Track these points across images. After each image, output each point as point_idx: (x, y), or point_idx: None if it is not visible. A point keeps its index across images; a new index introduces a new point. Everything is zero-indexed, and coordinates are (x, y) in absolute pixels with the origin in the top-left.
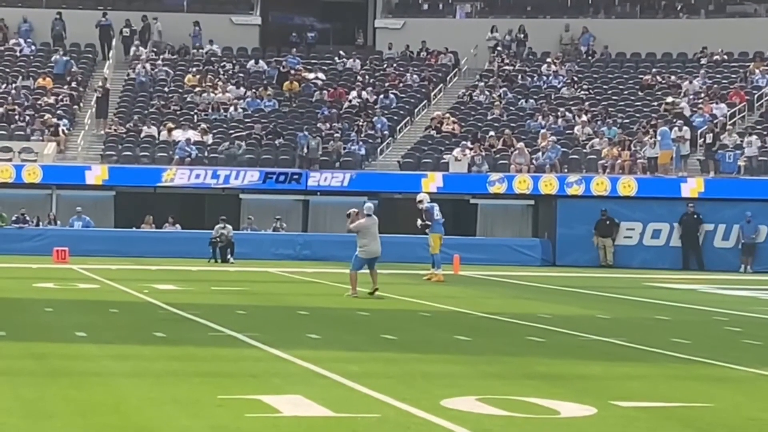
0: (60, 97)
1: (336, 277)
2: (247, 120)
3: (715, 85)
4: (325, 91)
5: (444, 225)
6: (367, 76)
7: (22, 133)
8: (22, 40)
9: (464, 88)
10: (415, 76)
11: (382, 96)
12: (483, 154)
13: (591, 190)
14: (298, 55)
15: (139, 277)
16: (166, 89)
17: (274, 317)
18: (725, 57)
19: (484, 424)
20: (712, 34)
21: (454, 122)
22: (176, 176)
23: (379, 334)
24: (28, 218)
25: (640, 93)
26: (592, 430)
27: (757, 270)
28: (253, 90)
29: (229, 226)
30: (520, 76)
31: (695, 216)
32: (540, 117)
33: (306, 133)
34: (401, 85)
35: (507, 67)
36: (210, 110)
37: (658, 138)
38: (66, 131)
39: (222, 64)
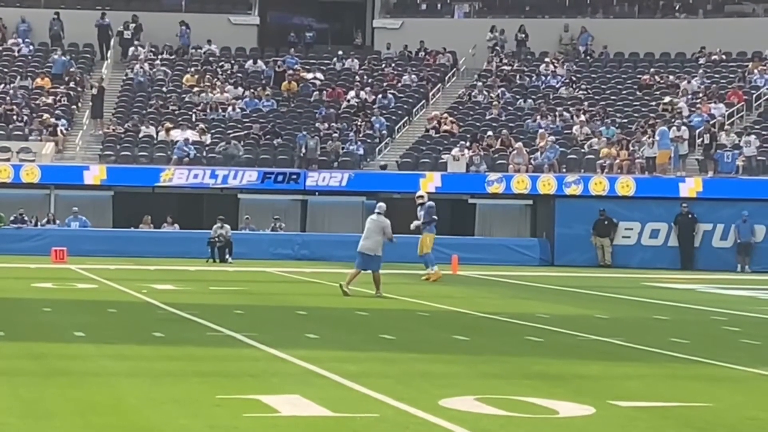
0: (58, 97)
1: (334, 277)
2: (245, 120)
3: (714, 85)
4: (323, 91)
5: (435, 226)
6: (365, 76)
7: (20, 133)
8: (20, 40)
9: (462, 88)
10: (413, 76)
11: (380, 96)
12: (481, 153)
13: (589, 190)
14: (297, 55)
15: (137, 277)
16: (164, 89)
17: (272, 317)
18: (723, 57)
19: (483, 424)
20: (710, 34)
21: (452, 122)
22: (174, 176)
23: (378, 333)
24: (26, 218)
25: (638, 93)
26: (590, 429)
27: (756, 270)
28: (252, 90)
29: (228, 226)
30: (518, 76)
31: (689, 216)
32: (538, 117)
33: (304, 133)
34: (399, 85)
35: (505, 67)
36: (208, 110)
37: (657, 138)
38: (64, 131)
39: (220, 64)
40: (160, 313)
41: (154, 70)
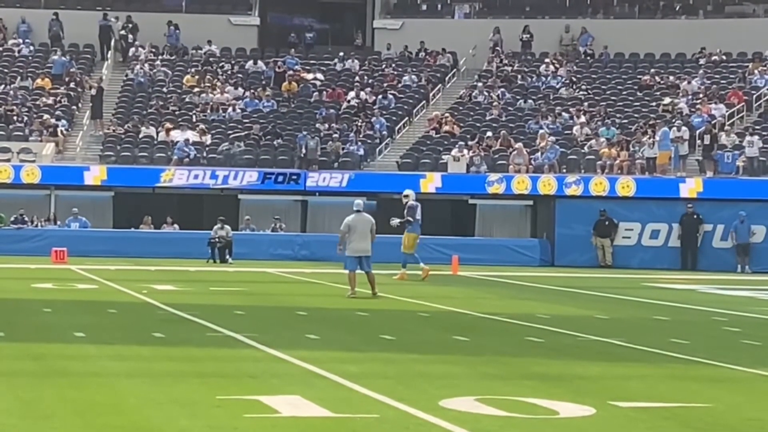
0: (58, 97)
1: (334, 278)
2: (245, 120)
3: (714, 86)
4: (323, 92)
5: (420, 227)
6: (365, 77)
7: (20, 133)
8: (20, 41)
9: (463, 89)
10: (413, 76)
11: (380, 96)
12: (482, 154)
13: (590, 191)
14: (297, 56)
15: (137, 278)
16: (164, 90)
17: (272, 318)
18: (724, 57)
19: (483, 425)
20: (710, 35)
21: (453, 123)
22: (175, 177)
23: (378, 334)
24: (26, 219)
25: (638, 93)
26: (590, 430)
27: (756, 270)
28: (252, 90)
29: (228, 227)
30: (520, 76)
31: (695, 216)
32: (539, 117)
33: (305, 133)
34: (400, 85)
35: (506, 68)
36: (208, 111)
37: (658, 138)
38: (64, 132)
39: (220, 65)
40: (161, 313)
41: (155, 70)
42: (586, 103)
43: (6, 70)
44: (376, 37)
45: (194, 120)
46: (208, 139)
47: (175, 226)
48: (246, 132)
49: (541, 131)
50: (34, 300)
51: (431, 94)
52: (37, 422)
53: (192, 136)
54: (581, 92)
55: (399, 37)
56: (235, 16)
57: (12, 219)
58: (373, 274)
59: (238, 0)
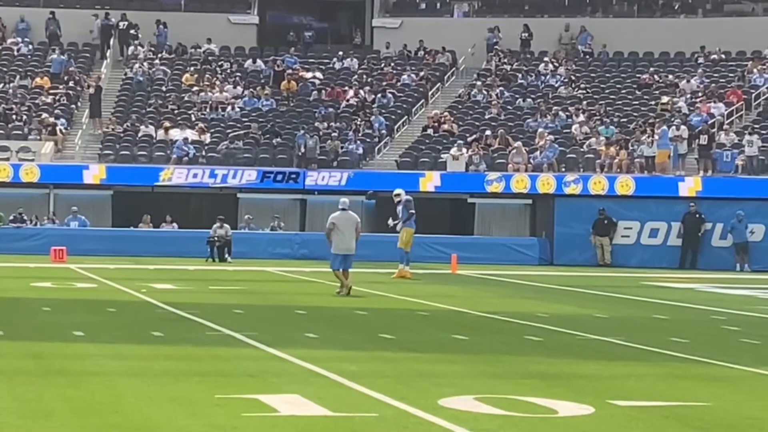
0: (57, 96)
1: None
2: (244, 119)
3: (713, 84)
4: (322, 91)
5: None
6: (364, 76)
7: (19, 132)
8: (19, 39)
9: (462, 88)
10: (412, 75)
11: (379, 95)
12: (481, 153)
13: (589, 189)
14: (296, 55)
15: (136, 277)
16: (163, 88)
17: (271, 316)
18: (723, 56)
19: (482, 424)
20: (709, 33)
21: (451, 121)
22: (174, 175)
23: (377, 333)
24: (25, 217)
25: (637, 92)
26: (590, 429)
27: (756, 269)
28: (251, 89)
29: (227, 226)
30: (521, 75)
31: (697, 215)
32: (538, 116)
33: (303, 132)
34: (399, 84)
35: (505, 66)
36: (207, 109)
37: (657, 137)
38: (63, 130)
39: (219, 64)
40: (160, 312)
41: (154, 69)
42: (585, 102)
43: (5, 69)
44: (375, 36)
45: (193, 119)
46: (207, 137)
47: (174, 225)
48: (245, 131)
49: (540, 130)
50: (33, 299)
51: (430, 93)
52: (36, 421)
53: (191, 134)
54: (580, 91)
55: (398, 36)
56: (234, 15)
57: (11, 218)
58: (350, 272)
59: None
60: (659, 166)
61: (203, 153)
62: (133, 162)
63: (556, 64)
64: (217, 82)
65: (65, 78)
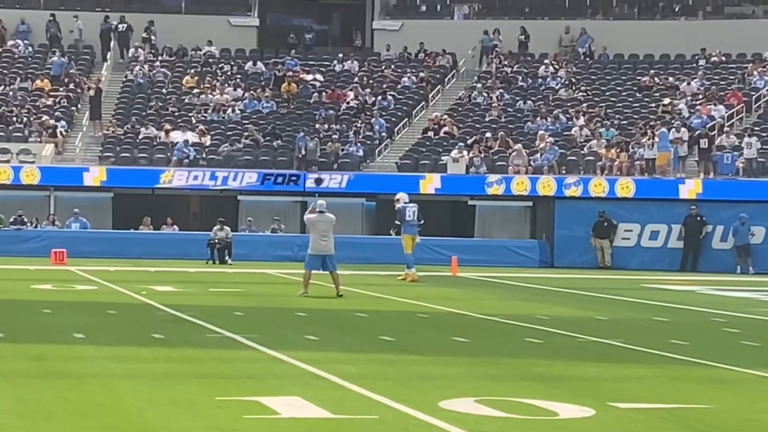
0: (58, 98)
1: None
2: (245, 121)
3: (713, 87)
4: (323, 93)
5: (420, 226)
6: (365, 78)
7: (20, 134)
8: (20, 42)
9: (462, 90)
10: (413, 77)
11: (380, 97)
12: (481, 155)
13: (589, 192)
14: (296, 57)
15: (137, 279)
16: (164, 90)
17: (272, 319)
18: (723, 58)
19: (482, 426)
20: (710, 36)
21: (452, 124)
22: (174, 178)
23: (377, 335)
24: (26, 220)
25: (637, 94)
26: (590, 431)
27: (759, 271)
28: (251, 91)
29: (228, 228)
30: (521, 77)
31: (698, 218)
32: (538, 118)
33: (304, 134)
34: (399, 86)
35: (505, 69)
36: (208, 112)
37: (657, 139)
38: (64, 133)
39: (220, 66)
40: (160, 314)
41: (154, 71)
42: (585, 104)
43: (5, 71)
44: (376, 38)
45: (194, 121)
46: (207, 140)
47: (175, 227)
48: (246, 133)
49: (540, 132)
50: (33, 301)
51: (430, 95)
52: (36, 423)
53: (191, 137)
54: (580, 93)
55: (398, 38)
56: (235, 17)
57: (11, 220)
58: (338, 273)
59: (238, 1)
60: (659, 168)
61: (204, 155)
62: (134, 164)
63: (557, 67)
64: (218, 85)
65: (66, 80)
